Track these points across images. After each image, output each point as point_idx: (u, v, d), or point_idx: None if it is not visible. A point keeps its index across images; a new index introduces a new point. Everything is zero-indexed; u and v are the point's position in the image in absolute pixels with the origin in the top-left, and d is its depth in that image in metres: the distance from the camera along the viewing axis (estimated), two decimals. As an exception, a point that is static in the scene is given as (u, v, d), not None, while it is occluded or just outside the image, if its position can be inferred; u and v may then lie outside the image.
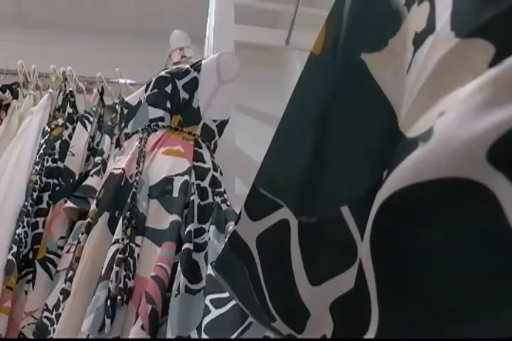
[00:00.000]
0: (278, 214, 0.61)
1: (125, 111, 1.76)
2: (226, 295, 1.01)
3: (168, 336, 1.04)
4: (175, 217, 1.29)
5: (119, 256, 1.18)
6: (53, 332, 1.20)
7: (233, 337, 0.95)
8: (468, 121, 0.31)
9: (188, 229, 1.26)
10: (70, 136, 1.91)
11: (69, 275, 1.27)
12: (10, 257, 1.46)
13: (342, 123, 0.55)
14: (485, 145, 0.31)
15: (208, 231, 1.30)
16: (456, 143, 0.31)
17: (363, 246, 0.40)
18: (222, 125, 1.71)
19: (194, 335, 1.04)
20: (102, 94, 2.17)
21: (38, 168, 1.74)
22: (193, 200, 1.36)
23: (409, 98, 0.42)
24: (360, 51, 0.53)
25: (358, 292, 0.44)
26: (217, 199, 1.42)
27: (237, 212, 1.35)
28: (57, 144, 1.86)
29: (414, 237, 0.35)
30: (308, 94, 0.62)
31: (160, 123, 1.60)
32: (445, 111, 0.33)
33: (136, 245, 1.23)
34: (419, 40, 0.43)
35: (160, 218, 1.31)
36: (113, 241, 1.23)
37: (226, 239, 0.74)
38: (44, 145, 1.83)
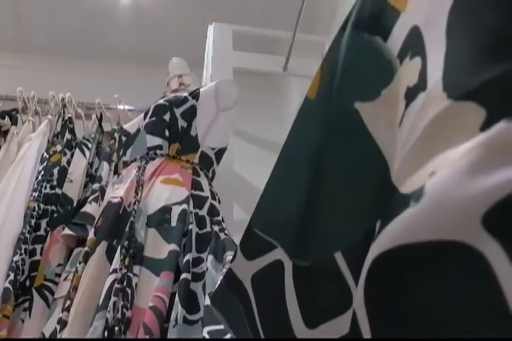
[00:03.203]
0: (272, 255, 0.62)
1: (123, 138, 1.76)
2: (223, 326, 1.01)
3: (166, 366, 1.04)
4: (173, 247, 1.29)
5: (116, 285, 1.18)
6: (50, 363, 1.20)
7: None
8: (460, 182, 0.31)
9: (186, 258, 1.27)
10: (69, 163, 1.92)
11: (66, 305, 1.27)
12: (7, 285, 1.46)
13: (335, 170, 0.55)
14: (481, 209, 0.31)
15: (206, 260, 1.31)
16: (447, 206, 0.32)
17: (357, 297, 0.40)
18: (220, 153, 1.72)
19: (191, 366, 1.04)
20: (100, 120, 2.18)
21: (36, 194, 1.74)
22: (191, 229, 1.36)
23: (401, 152, 0.42)
24: (354, 99, 0.53)
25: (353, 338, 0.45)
26: (216, 228, 1.43)
27: (236, 240, 1.36)
28: (55, 170, 1.87)
29: (406, 297, 0.35)
30: (303, 137, 0.63)
31: (158, 152, 1.60)
32: (436, 171, 0.34)
33: (134, 275, 1.23)
34: (410, 94, 0.44)
35: (158, 247, 1.31)
36: (111, 270, 1.23)
37: (222, 276, 0.74)
38: (42, 172, 1.83)
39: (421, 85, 0.42)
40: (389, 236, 0.35)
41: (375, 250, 0.37)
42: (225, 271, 0.90)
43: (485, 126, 0.33)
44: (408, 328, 0.36)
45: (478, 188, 0.31)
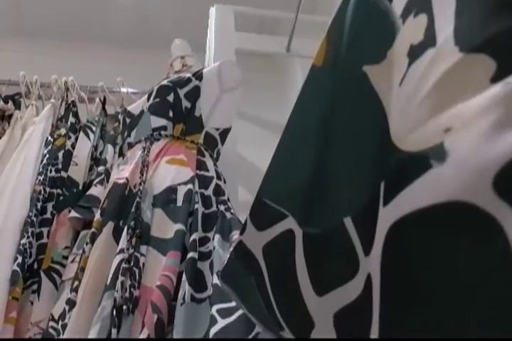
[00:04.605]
0: (283, 224, 0.62)
1: (127, 120, 1.76)
2: (233, 304, 1.01)
3: (174, 345, 1.04)
4: (179, 226, 1.29)
5: (124, 265, 1.18)
6: (60, 342, 1.20)
7: (240, 346, 0.95)
8: (483, 143, 0.31)
9: (192, 237, 1.27)
10: (73, 146, 1.91)
11: (74, 286, 1.27)
12: (15, 268, 1.46)
13: (342, 134, 0.55)
14: (492, 171, 0.30)
15: (213, 239, 1.31)
16: (471, 168, 0.31)
17: (373, 262, 0.40)
18: (224, 133, 1.72)
19: (200, 344, 1.05)
20: (104, 103, 2.17)
21: (41, 178, 1.73)
22: (197, 209, 1.36)
23: (402, 110, 0.42)
24: (362, 63, 0.53)
25: (361, 304, 0.45)
26: (221, 207, 1.43)
27: (241, 220, 1.36)
28: (60, 154, 1.86)
29: (428, 259, 0.35)
30: (310, 104, 0.62)
31: (162, 133, 1.60)
32: (452, 128, 0.33)
33: (141, 254, 1.23)
34: (414, 52, 0.43)
35: (164, 227, 1.32)
36: (118, 250, 1.23)
37: (231, 249, 0.74)
38: (47, 156, 1.83)
39: (428, 42, 0.41)
40: (414, 198, 0.35)
41: (394, 212, 0.36)
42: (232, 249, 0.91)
43: (495, 77, 0.32)
44: (423, 292, 0.35)
45: (495, 150, 0.30)
